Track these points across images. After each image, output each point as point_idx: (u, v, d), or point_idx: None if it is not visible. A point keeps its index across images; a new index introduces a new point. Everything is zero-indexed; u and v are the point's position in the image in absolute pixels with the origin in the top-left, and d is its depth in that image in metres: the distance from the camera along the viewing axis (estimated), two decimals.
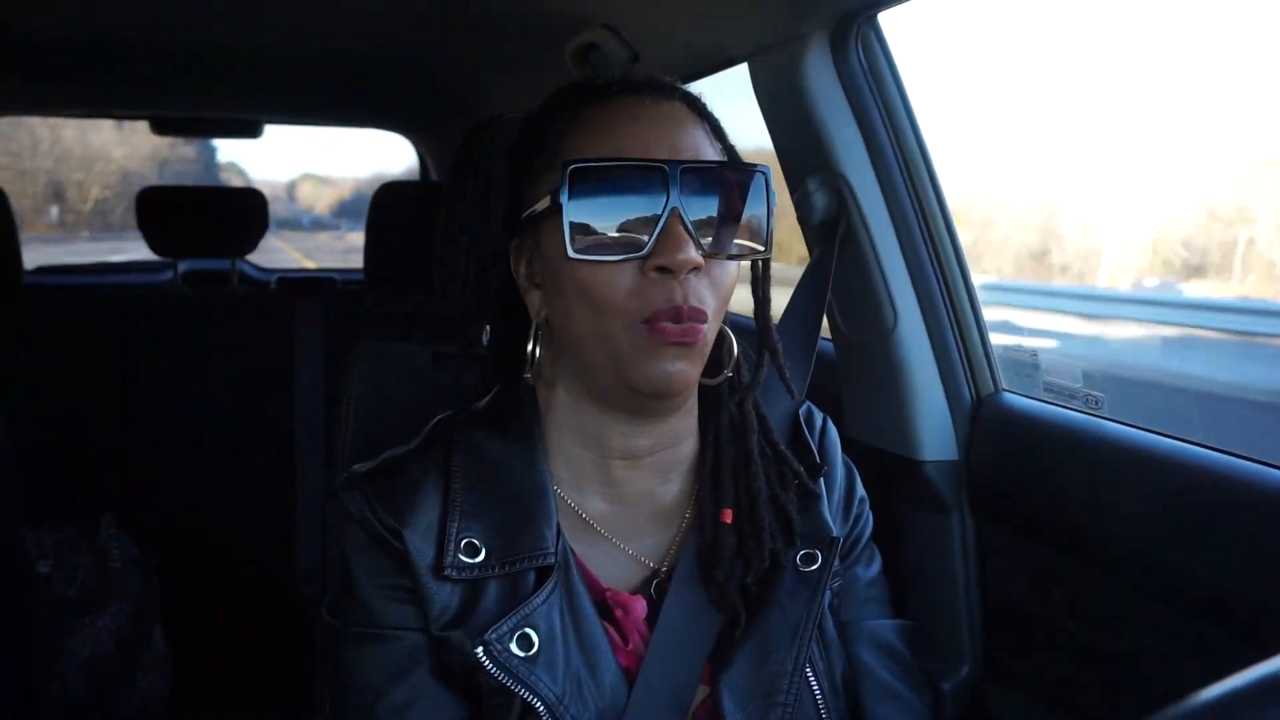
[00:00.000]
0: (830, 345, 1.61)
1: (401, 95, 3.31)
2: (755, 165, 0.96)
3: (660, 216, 0.89)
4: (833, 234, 1.48)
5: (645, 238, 0.89)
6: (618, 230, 0.90)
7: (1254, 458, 1.09)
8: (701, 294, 0.91)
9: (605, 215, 0.90)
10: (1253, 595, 1.04)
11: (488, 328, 1.49)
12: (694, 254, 0.89)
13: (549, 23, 1.94)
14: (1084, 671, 1.27)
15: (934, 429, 1.47)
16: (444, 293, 1.34)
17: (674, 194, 0.89)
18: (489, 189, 1.27)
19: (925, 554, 1.48)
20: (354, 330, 2.94)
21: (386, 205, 2.97)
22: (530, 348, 1.01)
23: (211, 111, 3.62)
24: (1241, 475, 1.08)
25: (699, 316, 0.91)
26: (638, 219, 0.90)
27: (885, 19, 1.45)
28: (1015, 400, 1.45)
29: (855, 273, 1.49)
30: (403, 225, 2.92)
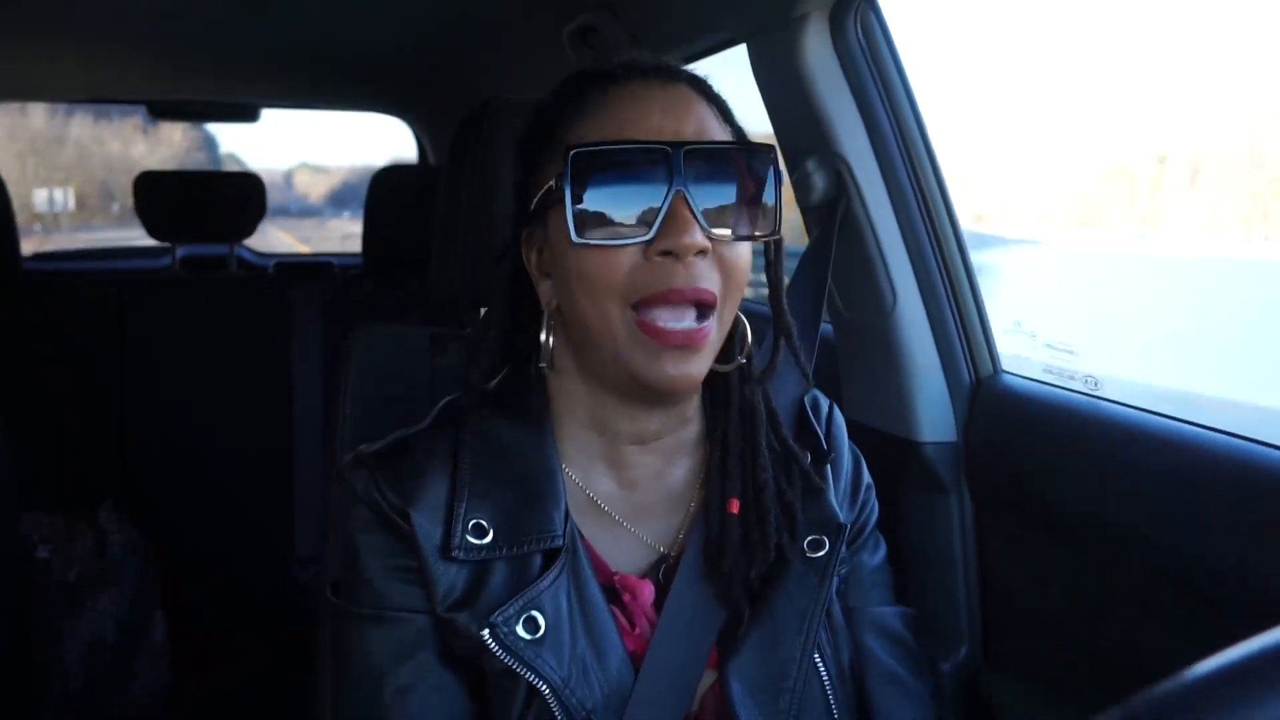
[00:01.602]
0: (829, 327, 1.61)
1: (399, 79, 3.30)
2: (761, 145, 0.95)
3: (665, 200, 0.88)
4: (832, 215, 1.47)
5: (650, 221, 0.88)
6: (623, 215, 0.89)
7: (1252, 438, 1.09)
8: (709, 276, 0.90)
9: (610, 200, 0.89)
10: (1250, 577, 1.04)
11: (483, 310, 1.49)
12: (699, 237, 0.88)
13: (547, 5, 1.93)
14: (1081, 653, 1.27)
15: (933, 410, 1.47)
16: (442, 277, 1.33)
17: (678, 176, 0.88)
18: (490, 175, 1.26)
19: (924, 535, 1.48)
20: (352, 314, 2.95)
21: (384, 190, 2.96)
22: (544, 338, 1.00)
23: (209, 95, 3.61)
24: (1240, 456, 1.08)
25: (706, 298, 0.90)
26: (642, 203, 0.89)
27: None
28: (1014, 381, 1.45)
29: (854, 254, 1.49)
30: (400, 210, 2.91)
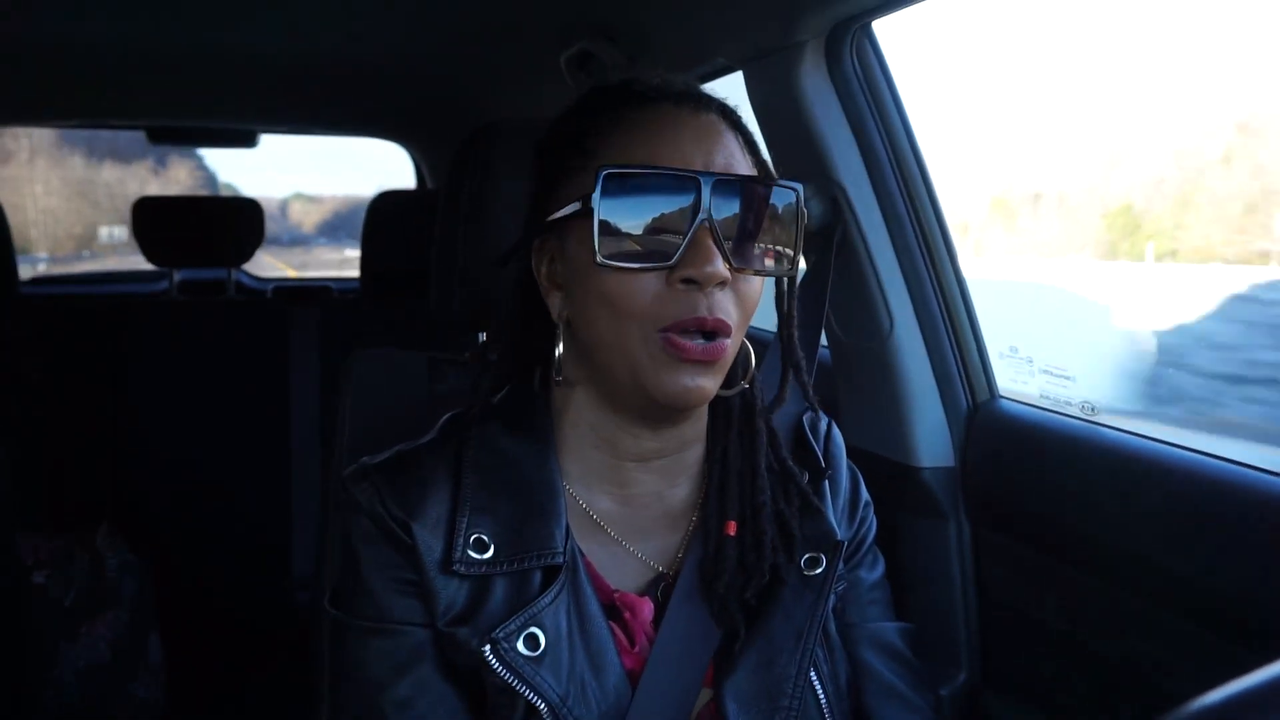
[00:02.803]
0: (826, 351, 1.62)
1: (398, 104, 3.31)
2: (788, 182, 0.96)
3: (690, 228, 0.89)
4: (829, 240, 1.48)
5: (673, 248, 0.89)
6: (646, 239, 0.90)
7: (1248, 464, 1.09)
8: (726, 307, 0.91)
9: (635, 223, 0.89)
10: (1247, 600, 1.04)
11: (483, 335, 1.49)
12: (721, 268, 0.88)
13: (545, 31, 1.95)
14: (1081, 677, 1.27)
15: (930, 435, 1.48)
16: (441, 301, 1.34)
17: (706, 206, 0.88)
18: (489, 198, 1.27)
19: (922, 560, 1.48)
20: (349, 338, 2.95)
21: (382, 214, 2.97)
22: (557, 350, 1.00)
23: (208, 121, 3.62)
24: (1235, 481, 1.08)
25: (723, 329, 0.90)
26: (667, 229, 0.89)
27: (879, 26, 1.45)
28: (1011, 406, 1.45)
29: (851, 279, 1.50)
30: (399, 234, 2.92)
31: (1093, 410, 1.36)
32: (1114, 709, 1.21)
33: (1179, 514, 1.13)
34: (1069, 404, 1.40)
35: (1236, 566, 1.05)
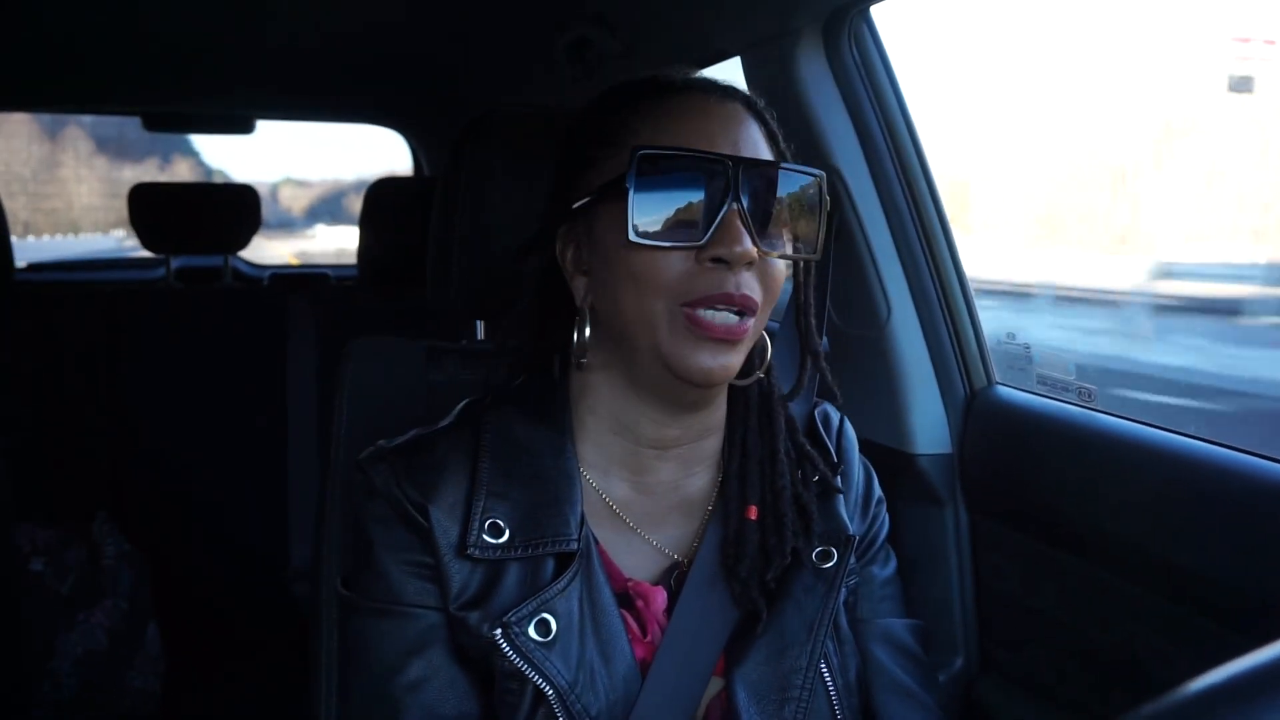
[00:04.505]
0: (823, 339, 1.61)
1: (395, 90, 3.30)
2: (813, 170, 0.98)
3: (720, 209, 0.91)
4: (827, 228, 1.47)
5: (703, 228, 0.91)
6: (677, 219, 0.92)
7: (1246, 449, 1.09)
8: (753, 286, 0.93)
9: (666, 204, 0.92)
10: (1245, 587, 1.04)
11: (480, 323, 1.48)
12: (751, 247, 0.90)
13: (542, 16, 1.94)
14: (1076, 663, 1.27)
15: (928, 422, 1.48)
16: (439, 289, 1.33)
17: (735, 188, 0.91)
18: (488, 185, 1.26)
19: (919, 546, 1.48)
20: (347, 326, 2.92)
21: (380, 201, 2.96)
22: (578, 334, 1.01)
23: (204, 107, 3.60)
24: (1234, 467, 1.08)
25: (750, 305, 0.92)
26: (698, 210, 0.91)
27: (877, 12, 1.45)
28: (1008, 393, 1.45)
29: (849, 267, 1.49)
30: (396, 222, 2.91)
31: (1090, 396, 1.36)
32: (1109, 695, 1.22)
33: (1176, 500, 1.13)
34: (1066, 389, 1.39)
35: (1233, 553, 1.05)
